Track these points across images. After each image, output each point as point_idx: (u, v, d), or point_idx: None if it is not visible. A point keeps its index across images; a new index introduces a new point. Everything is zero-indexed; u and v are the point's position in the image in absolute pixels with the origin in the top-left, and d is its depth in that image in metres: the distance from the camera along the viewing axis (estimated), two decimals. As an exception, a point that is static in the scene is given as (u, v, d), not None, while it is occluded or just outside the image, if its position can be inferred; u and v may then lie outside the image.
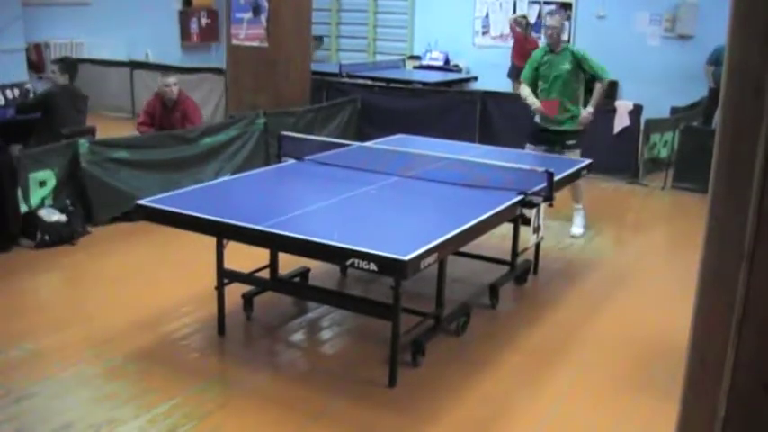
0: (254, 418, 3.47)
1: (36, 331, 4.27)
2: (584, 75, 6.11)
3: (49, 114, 6.73)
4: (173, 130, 7.01)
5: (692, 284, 1.40)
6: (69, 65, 7.25)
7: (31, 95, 7.49)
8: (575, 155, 6.07)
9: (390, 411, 3.56)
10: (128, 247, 5.80)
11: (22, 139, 6.68)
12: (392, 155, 5.27)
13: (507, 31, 12.27)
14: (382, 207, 4.33)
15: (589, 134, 6.73)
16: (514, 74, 10.66)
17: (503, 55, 11.03)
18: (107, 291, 4.98)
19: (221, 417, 3.46)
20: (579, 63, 6.03)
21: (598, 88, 6.05)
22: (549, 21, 6.25)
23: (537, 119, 6.30)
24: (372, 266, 3.28)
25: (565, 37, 6.22)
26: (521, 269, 5.20)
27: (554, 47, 6.14)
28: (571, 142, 6.14)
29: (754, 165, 1.20)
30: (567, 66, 6.06)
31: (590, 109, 6.07)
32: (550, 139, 6.23)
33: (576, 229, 6.34)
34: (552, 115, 6.14)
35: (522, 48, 10.61)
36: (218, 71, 10.31)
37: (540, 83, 6.22)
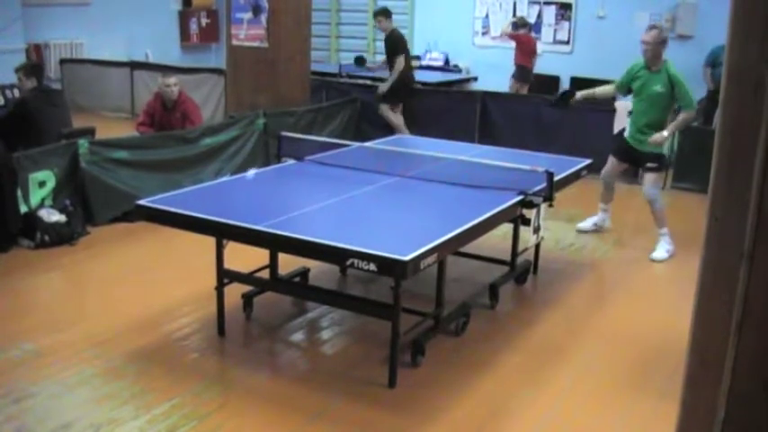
0: (254, 418, 3.47)
1: (36, 331, 4.26)
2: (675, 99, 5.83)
3: (28, 121, 6.68)
4: (173, 131, 7.01)
5: (691, 284, 1.40)
6: (33, 68, 7.20)
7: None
8: (652, 179, 5.89)
9: (390, 411, 3.56)
10: (127, 247, 5.80)
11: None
12: (392, 155, 5.27)
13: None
14: (382, 207, 4.33)
15: (592, 136, 6.77)
16: (522, 76, 10.59)
17: (503, 55, 11.03)
18: (107, 291, 4.98)
19: (221, 417, 3.46)
20: (672, 86, 5.74)
21: (682, 117, 5.77)
22: (643, 36, 5.97)
23: (625, 133, 6.11)
24: (372, 267, 3.28)
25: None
26: (520, 269, 5.20)
27: (650, 64, 5.90)
28: (651, 165, 5.87)
29: (754, 165, 1.21)
30: (659, 88, 5.79)
31: (664, 133, 5.76)
32: (633, 156, 6.04)
33: (658, 253, 5.89)
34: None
35: (527, 46, 10.56)
36: (218, 71, 10.32)
37: (632, 97, 6.04)
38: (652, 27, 6.08)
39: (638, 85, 5.92)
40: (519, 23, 10.87)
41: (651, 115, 5.84)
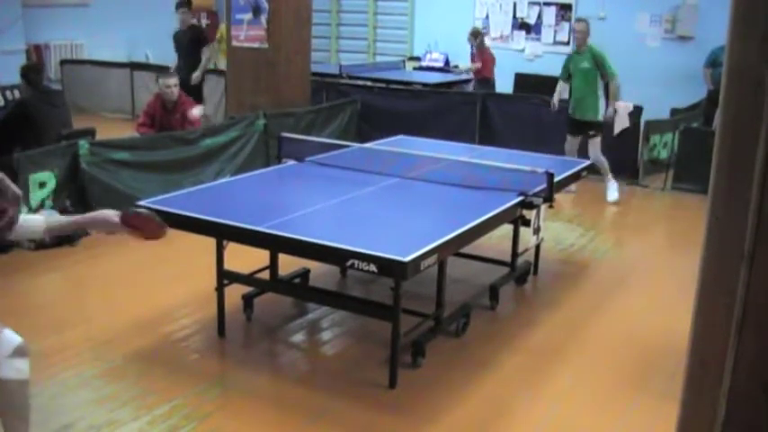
0: (254, 419, 3.47)
1: (36, 332, 4.25)
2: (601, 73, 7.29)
3: (29, 122, 6.66)
4: (173, 132, 7.01)
5: (692, 285, 1.39)
6: (30, 71, 7.16)
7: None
8: (596, 144, 7.33)
9: (390, 412, 3.56)
10: (128, 248, 5.77)
11: (7, 150, 6.54)
12: (392, 156, 5.27)
13: (507, 32, 12.27)
14: (382, 208, 4.33)
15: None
16: (492, 88, 10.24)
17: (503, 56, 11.00)
18: (107, 292, 4.98)
19: (221, 418, 3.46)
20: (597, 63, 7.22)
21: (612, 87, 7.32)
22: (576, 26, 7.58)
23: (570, 111, 7.47)
24: (372, 267, 3.28)
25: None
26: (521, 270, 5.20)
27: (579, 48, 7.42)
28: (592, 132, 7.33)
29: (755, 165, 1.21)
30: (586, 64, 7.27)
31: (610, 109, 7.34)
32: (579, 127, 7.40)
33: (611, 195, 7.41)
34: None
35: (492, 58, 10.26)
36: (218, 72, 10.31)
37: (571, 81, 7.47)
38: (581, 20, 7.71)
39: (572, 67, 7.44)
40: (480, 34, 10.20)
41: (583, 88, 7.31)
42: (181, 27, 9.35)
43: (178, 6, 9.31)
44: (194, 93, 8.85)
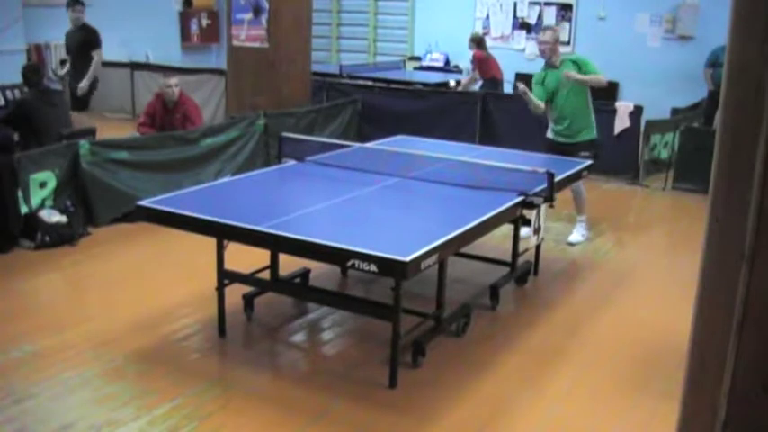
0: (255, 418, 3.47)
1: (36, 332, 4.26)
2: None
3: (28, 122, 6.67)
4: (173, 131, 7.01)
5: (692, 285, 1.40)
6: (30, 71, 7.16)
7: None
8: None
9: (391, 412, 3.56)
10: (128, 248, 5.80)
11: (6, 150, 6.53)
12: (393, 156, 5.27)
13: (508, 32, 12.26)
14: (383, 208, 4.33)
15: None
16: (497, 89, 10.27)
17: (503, 56, 10.99)
18: (107, 292, 4.98)
19: (222, 418, 3.46)
20: (580, 68, 5.91)
21: (596, 76, 5.93)
22: (541, 38, 6.10)
23: (549, 134, 6.18)
24: (373, 267, 3.28)
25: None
26: (521, 270, 5.20)
27: (551, 62, 6.01)
28: (585, 153, 5.87)
29: (755, 165, 1.21)
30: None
31: (579, 75, 5.88)
32: (565, 152, 5.93)
33: (574, 237, 6.18)
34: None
35: (494, 60, 10.29)
36: (218, 72, 10.32)
37: (552, 100, 6.03)
38: (547, 28, 6.25)
39: (553, 83, 5.98)
40: (479, 41, 10.19)
41: (575, 102, 5.96)
42: (72, 27, 8.45)
43: (70, 4, 8.34)
44: (80, 101, 8.22)
